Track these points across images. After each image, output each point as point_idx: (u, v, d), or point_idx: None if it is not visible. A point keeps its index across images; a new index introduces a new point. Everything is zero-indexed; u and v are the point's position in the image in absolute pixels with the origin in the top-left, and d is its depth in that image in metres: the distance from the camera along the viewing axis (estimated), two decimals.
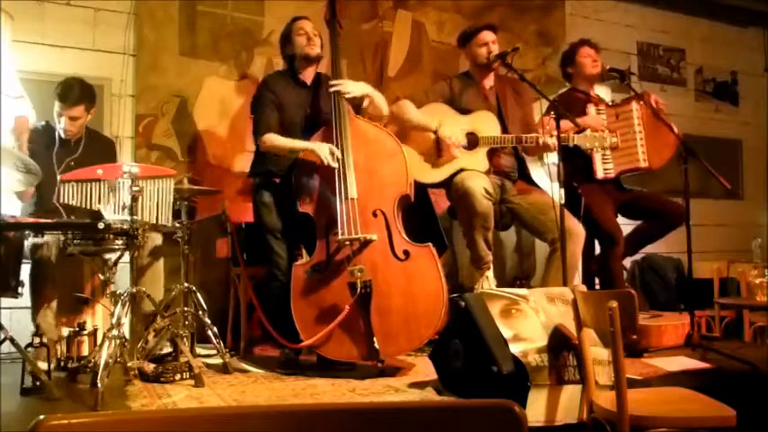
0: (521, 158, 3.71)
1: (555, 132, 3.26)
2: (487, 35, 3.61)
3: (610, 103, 4.01)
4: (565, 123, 3.33)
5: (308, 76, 3.32)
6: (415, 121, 3.52)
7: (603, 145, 3.38)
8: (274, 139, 3.15)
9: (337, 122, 3.10)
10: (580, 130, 3.44)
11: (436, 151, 3.53)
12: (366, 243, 2.96)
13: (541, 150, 3.53)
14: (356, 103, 3.25)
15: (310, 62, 3.29)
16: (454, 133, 3.46)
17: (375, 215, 3.02)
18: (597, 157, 3.78)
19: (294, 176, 3.11)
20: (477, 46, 3.62)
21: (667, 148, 3.73)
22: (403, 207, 3.12)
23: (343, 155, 3.04)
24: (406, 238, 3.00)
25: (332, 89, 3.15)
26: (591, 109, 3.81)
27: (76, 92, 3.31)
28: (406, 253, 2.96)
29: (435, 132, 3.48)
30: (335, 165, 3.00)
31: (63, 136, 3.35)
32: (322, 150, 3.01)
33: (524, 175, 3.70)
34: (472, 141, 3.52)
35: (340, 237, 2.95)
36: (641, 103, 3.76)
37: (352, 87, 3.18)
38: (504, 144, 3.50)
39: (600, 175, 3.78)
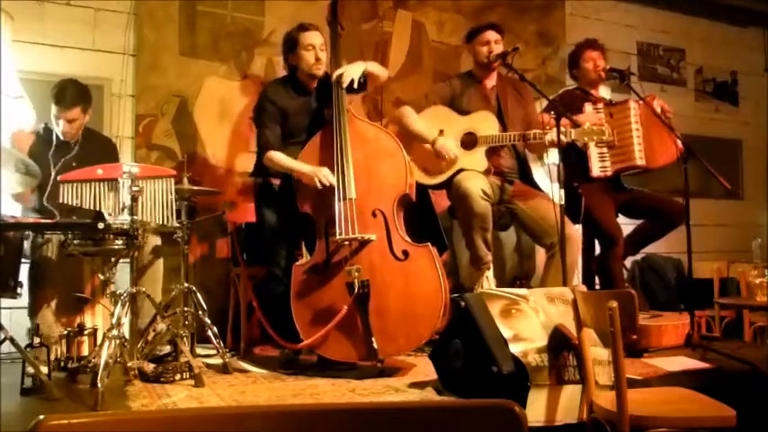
0: (521, 159, 3.71)
1: (554, 130, 3.28)
2: (491, 34, 3.62)
3: (607, 102, 4.00)
4: (564, 122, 3.33)
5: (310, 84, 3.30)
6: (415, 131, 3.52)
7: (602, 138, 3.35)
8: (275, 158, 3.16)
9: (337, 123, 3.10)
10: (577, 126, 3.43)
11: (435, 156, 3.53)
12: (364, 243, 2.97)
13: (546, 148, 3.50)
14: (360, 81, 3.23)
15: (315, 78, 3.28)
16: (450, 146, 3.47)
17: (374, 215, 3.02)
18: (593, 155, 3.76)
19: (295, 178, 3.11)
20: (479, 44, 3.63)
21: (666, 155, 3.73)
22: (404, 206, 3.12)
23: (342, 155, 3.04)
24: (406, 238, 2.99)
25: (335, 80, 3.15)
26: (587, 107, 3.80)
27: (72, 93, 3.28)
28: (405, 253, 2.96)
29: (432, 144, 3.49)
30: (326, 184, 2.99)
31: (62, 138, 3.35)
32: (319, 175, 3.00)
33: (526, 177, 3.70)
34: (471, 141, 3.52)
35: (338, 237, 2.95)
36: (641, 103, 3.76)
37: (352, 72, 3.16)
38: (503, 142, 3.50)
39: (595, 173, 3.75)
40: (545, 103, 3.84)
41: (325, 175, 3.01)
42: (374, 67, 3.30)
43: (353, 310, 2.89)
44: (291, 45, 3.26)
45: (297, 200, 3.10)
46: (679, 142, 3.64)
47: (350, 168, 3.03)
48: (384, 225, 3.00)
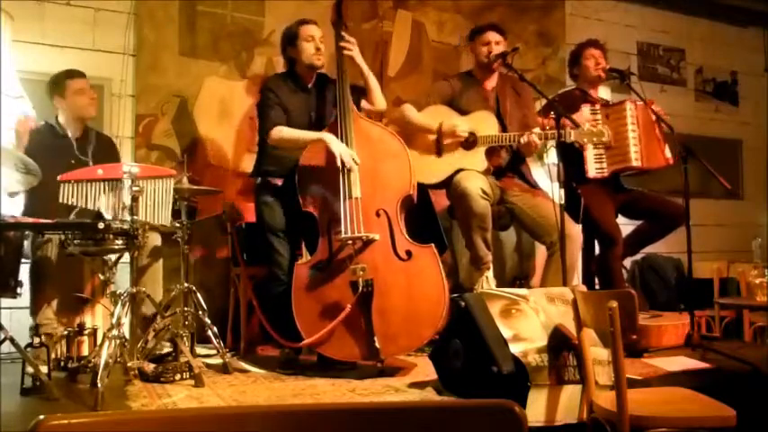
0: (518, 158, 3.71)
1: (546, 131, 3.33)
2: (491, 35, 3.62)
3: (605, 103, 4.00)
4: (563, 122, 3.33)
5: (308, 78, 3.32)
6: (417, 123, 3.53)
7: (601, 139, 3.36)
8: (283, 132, 3.14)
9: (342, 121, 3.10)
10: (576, 126, 3.43)
11: (437, 151, 3.54)
12: (368, 242, 2.97)
13: (529, 149, 3.50)
14: (359, 88, 3.26)
15: (314, 70, 3.29)
16: (457, 122, 3.48)
17: (378, 215, 3.02)
18: (589, 157, 3.75)
19: (298, 175, 3.10)
20: (480, 44, 3.64)
21: (657, 161, 3.76)
22: (406, 207, 3.12)
23: None
24: (409, 239, 3.00)
25: (340, 45, 3.19)
26: (584, 107, 3.80)
27: (79, 71, 3.44)
28: (409, 253, 2.97)
29: (438, 131, 3.49)
30: (349, 164, 2.99)
31: (83, 114, 3.39)
32: (335, 145, 3.00)
33: (525, 178, 3.69)
34: (471, 141, 3.52)
35: (343, 235, 2.95)
36: (637, 104, 3.76)
37: (357, 52, 3.22)
38: (503, 142, 3.50)
39: (591, 173, 3.74)
40: (544, 102, 3.84)
41: (343, 150, 3.00)
42: (376, 86, 3.31)
43: (357, 309, 2.89)
44: (291, 38, 3.27)
45: (300, 198, 3.09)
46: (668, 152, 3.68)
47: (355, 167, 3.03)
48: (388, 225, 3.00)
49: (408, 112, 3.57)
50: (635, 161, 3.70)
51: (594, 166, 3.75)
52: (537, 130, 3.44)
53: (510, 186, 3.60)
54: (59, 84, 3.39)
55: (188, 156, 4.16)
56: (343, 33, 3.24)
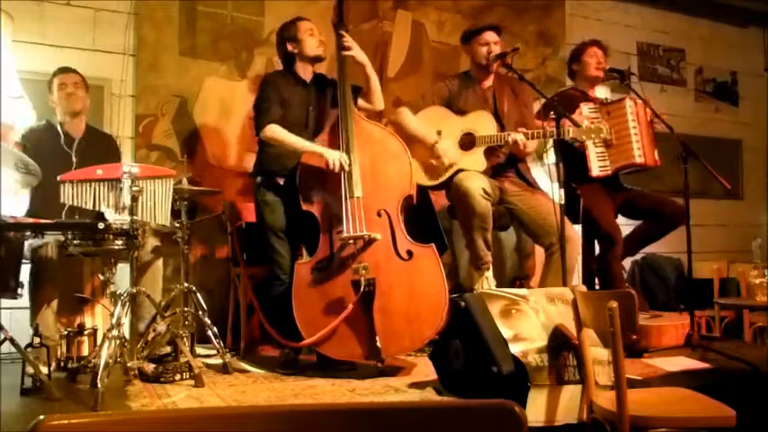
0: (515, 159, 3.70)
1: (533, 131, 3.38)
2: (490, 36, 3.61)
3: (604, 101, 3.99)
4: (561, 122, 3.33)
5: (307, 74, 3.32)
6: (413, 133, 3.52)
7: (600, 136, 3.36)
8: (277, 132, 3.14)
9: (344, 121, 3.11)
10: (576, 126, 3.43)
11: (435, 156, 3.53)
12: (370, 242, 2.97)
13: (517, 149, 3.49)
14: (355, 87, 3.27)
15: (314, 62, 3.30)
16: (449, 148, 3.47)
17: (379, 215, 3.02)
18: (592, 155, 3.75)
19: (299, 175, 3.10)
20: (478, 45, 3.63)
21: (652, 161, 3.76)
22: (405, 208, 3.12)
23: (348, 153, 3.05)
24: (410, 239, 3.00)
25: (342, 46, 3.20)
26: (583, 107, 3.79)
27: (72, 69, 3.45)
28: (410, 253, 2.97)
29: (432, 147, 3.49)
30: (344, 169, 3.00)
31: (66, 108, 3.38)
32: (331, 155, 3.01)
33: (525, 178, 3.69)
34: (469, 141, 3.52)
35: (345, 234, 2.95)
36: (637, 101, 3.76)
37: (357, 50, 3.23)
38: (501, 142, 3.50)
39: (595, 172, 3.73)
40: (543, 103, 3.83)
41: (343, 158, 3.00)
42: (376, 82, 3.32)
43: (358, 308, 2.89)
44: (292, 33, 3.29)
45: (301, 198, 3.09)
46: (656, 154, 3.69)
47: (356, 167, 3.04)
48: (389, 225, 3.01)
49: (405, 118, 3.56)
50: (638, 158, 3.69)
51: (598, 165, 3.74)
52: (523, 129, 3.43)
53: (509, 185, 3.59)
54: (50, 82, 3.43)
55: (188, 156, 4.16)
56: (342, 33, 3.24)
